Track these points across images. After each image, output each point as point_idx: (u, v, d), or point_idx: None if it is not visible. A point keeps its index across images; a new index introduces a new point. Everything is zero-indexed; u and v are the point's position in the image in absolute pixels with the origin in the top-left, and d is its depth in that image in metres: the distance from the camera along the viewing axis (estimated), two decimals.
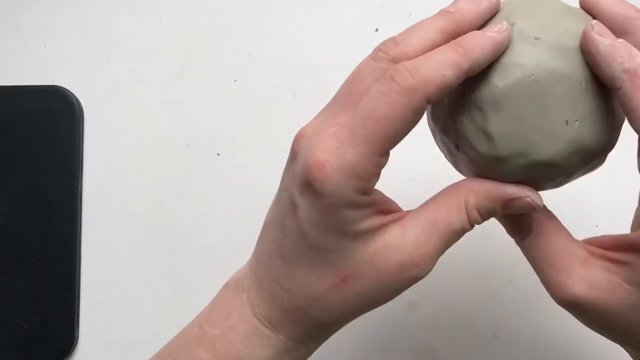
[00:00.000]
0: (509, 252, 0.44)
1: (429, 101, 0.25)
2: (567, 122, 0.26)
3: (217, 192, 0.46)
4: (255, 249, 0.31)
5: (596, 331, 0.30)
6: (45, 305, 0.45)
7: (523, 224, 0.29)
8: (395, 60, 0.27)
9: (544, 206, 0.29)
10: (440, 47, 0.26)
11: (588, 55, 0.26)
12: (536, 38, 0.26)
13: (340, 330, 0.44)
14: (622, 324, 0.28)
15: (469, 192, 0.28)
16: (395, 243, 0.27)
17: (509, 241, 0.44)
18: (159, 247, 0.45)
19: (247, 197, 0.45)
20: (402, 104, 0.25)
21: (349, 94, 0.28)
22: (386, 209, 0.28)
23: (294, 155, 0.29)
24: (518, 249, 0.42)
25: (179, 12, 0.47)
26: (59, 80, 0.46)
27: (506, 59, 0.26)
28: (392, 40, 0.27)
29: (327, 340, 0.44)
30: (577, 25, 0.26)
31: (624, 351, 0.42)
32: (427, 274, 0.28)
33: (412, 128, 0.26)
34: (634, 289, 0.27)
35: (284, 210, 0.29)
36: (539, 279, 0.43)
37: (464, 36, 0.26)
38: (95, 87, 0.47)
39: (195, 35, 0.47)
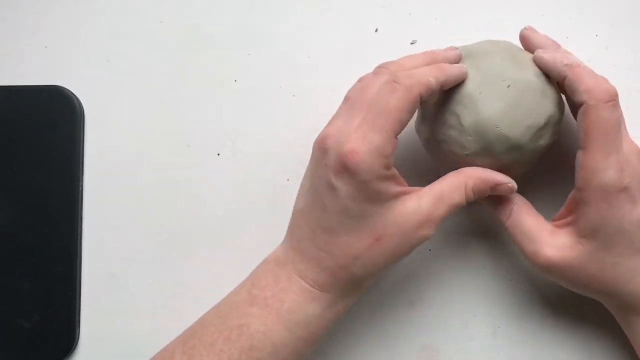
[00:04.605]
0: (509, 252, 0.45)
1: (421, 97, 0.35)
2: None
3: (217, 192, 0.46)
4: (289, 233, 0.39)
5: (573, 289, 0.39)
6: (46, 305, 0.45)
7: (507, 208, 0.39)
8: (394, 74, 0.36)
9: (521, 196, 0.39)
10: (426, 66, 0.37)
11: (540, 66, 0.38)
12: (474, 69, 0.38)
13: (341, 329, 0.44)
14: (585, 277, 0.37)
15: (468, 177, 0.37)
16: (413, 209, 0.36)
17: (509, 241, 0.44)
18: (159, 247, 0.45)
19: (247, 197, 0.45)
20: (404, 97, 0.35)
21: (360, 100, 0.36)
22: (400, 181, 0.37)
23: (323, 152, 0.36)
24: (518, 249, 0.42)
25: (180, 12, 0.47)
26: (59, 80, 0.46)
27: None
28: (390, 62, 0.38)
29: (328, 339, 0.44)
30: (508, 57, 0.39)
31: (626, 351, 0.42)
32: (433, 234, 0.37)
33: (410, 118, 0.36)
34: (584, 240, 0.36)
35: (322, 194, 0.36)
36: (538, 279, 0.44)
37: (441, 63, 0.38)
38: (95, 86, 0.47)
39: (195, 35, 0.47)
